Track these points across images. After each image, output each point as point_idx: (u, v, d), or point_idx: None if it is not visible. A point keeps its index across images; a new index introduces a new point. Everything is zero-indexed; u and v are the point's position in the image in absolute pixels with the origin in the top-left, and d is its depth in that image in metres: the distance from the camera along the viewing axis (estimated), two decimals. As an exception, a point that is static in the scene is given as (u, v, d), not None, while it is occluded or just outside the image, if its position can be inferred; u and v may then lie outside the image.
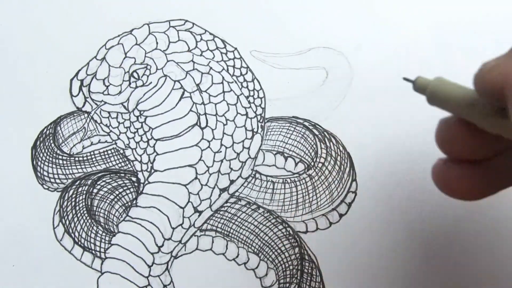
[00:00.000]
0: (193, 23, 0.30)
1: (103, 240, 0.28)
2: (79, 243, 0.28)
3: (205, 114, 0.29)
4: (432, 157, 0.22)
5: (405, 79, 0.26)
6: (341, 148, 0.29)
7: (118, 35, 0.30)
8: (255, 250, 0.29)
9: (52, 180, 0.29)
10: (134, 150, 0.29)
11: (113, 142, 0.30)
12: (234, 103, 0.29)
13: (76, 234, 0.28)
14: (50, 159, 0.29)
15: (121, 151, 0.29)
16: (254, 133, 0.29)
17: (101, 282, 0.28)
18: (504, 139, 0.19)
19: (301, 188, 0.29)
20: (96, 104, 0.29)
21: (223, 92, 0.29)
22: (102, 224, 0.29)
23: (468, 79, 0.19)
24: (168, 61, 0.29)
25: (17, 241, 0.28)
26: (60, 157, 0.29)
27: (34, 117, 0.29)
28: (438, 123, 0.25)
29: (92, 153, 0.29)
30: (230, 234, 0.29)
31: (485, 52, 0.21)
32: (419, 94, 0.26)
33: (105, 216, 0.29)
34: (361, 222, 0.28)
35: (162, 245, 0.28)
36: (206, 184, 0.29)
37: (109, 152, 0.29)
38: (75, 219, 0.29)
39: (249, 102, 0.29)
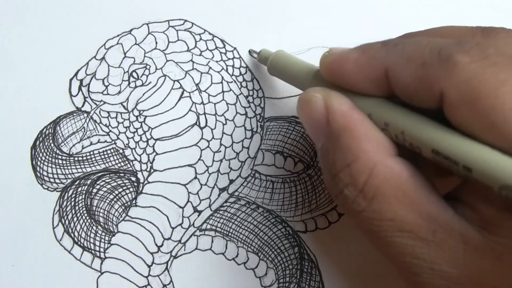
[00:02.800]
0: (192, 23, 0.30)
1: (102, 240, 0.28)
2: (79, 243, 0.28)
3: (205, 113, 0.29)
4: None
5: (250, 51, 0.28)
6: (340, 147, 0.29)
7: (118, 35, 0.30)
8: (255, 249, 0.29)
9: (52, 180, 0.29)
10: (133, 150, 0.29)
11: (113, 142, 0.30)
12: (234, 103, 0.29)
13: (76, 234, 0.28)
14: (50, 159, 0.29)
15: (121, 151, 0.29)
16: (254, 133, 0.29)
17: (100, 282, 0.28)
18: None
19: (300, 187, 0.29)
20: (95, 104, 0.29)
21: (223, 91, 0.29)
22: (101, 224, 0.29)
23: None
24: (167, 60, 0.29)
25: (17, 241, 0.28)
26: (59, 157, 0.29)
27: (34, 117, 0.29)
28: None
29: (91, 153, 0.29)
30: (230, 234, 0.29)
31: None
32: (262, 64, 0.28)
33: (105, 216, 0.29)
34: (361, 222, 0.28)
35: (162, 244, 0.28)
36: (205, 184, 0.29)
37: (109, 152, 0.29)
38: (75, 219, 0.29)
39: (248, 101, 0.29)
